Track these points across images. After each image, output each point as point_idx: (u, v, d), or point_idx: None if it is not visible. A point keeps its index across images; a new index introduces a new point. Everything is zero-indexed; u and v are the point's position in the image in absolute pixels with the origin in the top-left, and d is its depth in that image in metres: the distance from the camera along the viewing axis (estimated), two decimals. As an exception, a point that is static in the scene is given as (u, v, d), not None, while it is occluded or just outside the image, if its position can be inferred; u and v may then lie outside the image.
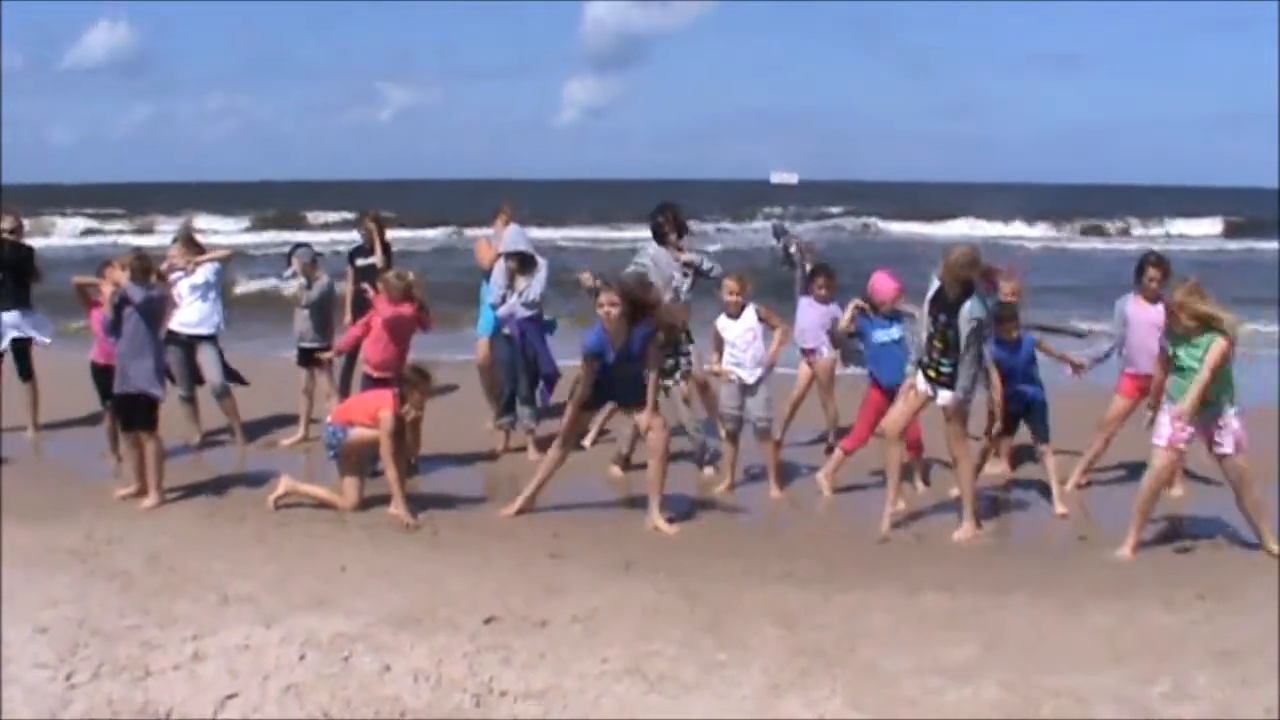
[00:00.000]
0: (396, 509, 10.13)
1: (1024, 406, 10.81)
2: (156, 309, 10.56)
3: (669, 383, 11.13)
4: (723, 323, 11.01)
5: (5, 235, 13.34)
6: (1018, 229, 57.82)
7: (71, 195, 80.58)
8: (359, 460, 10.40)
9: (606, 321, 9.92)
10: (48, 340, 13.63)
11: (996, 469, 11.49)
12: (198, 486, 11.14)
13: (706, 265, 11.79)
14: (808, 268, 12.63)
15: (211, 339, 12.71)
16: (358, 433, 10.22)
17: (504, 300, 12.12)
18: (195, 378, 12.76)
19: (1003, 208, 63.04)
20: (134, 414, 10.54)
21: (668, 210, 11.93)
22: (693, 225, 13.95)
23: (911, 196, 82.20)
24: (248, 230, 53.77)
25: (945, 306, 9.60)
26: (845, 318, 11.12)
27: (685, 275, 11.61)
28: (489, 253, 12.96)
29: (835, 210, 67.15)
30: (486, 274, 12.89)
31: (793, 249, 12.94)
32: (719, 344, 11.03)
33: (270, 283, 26.06)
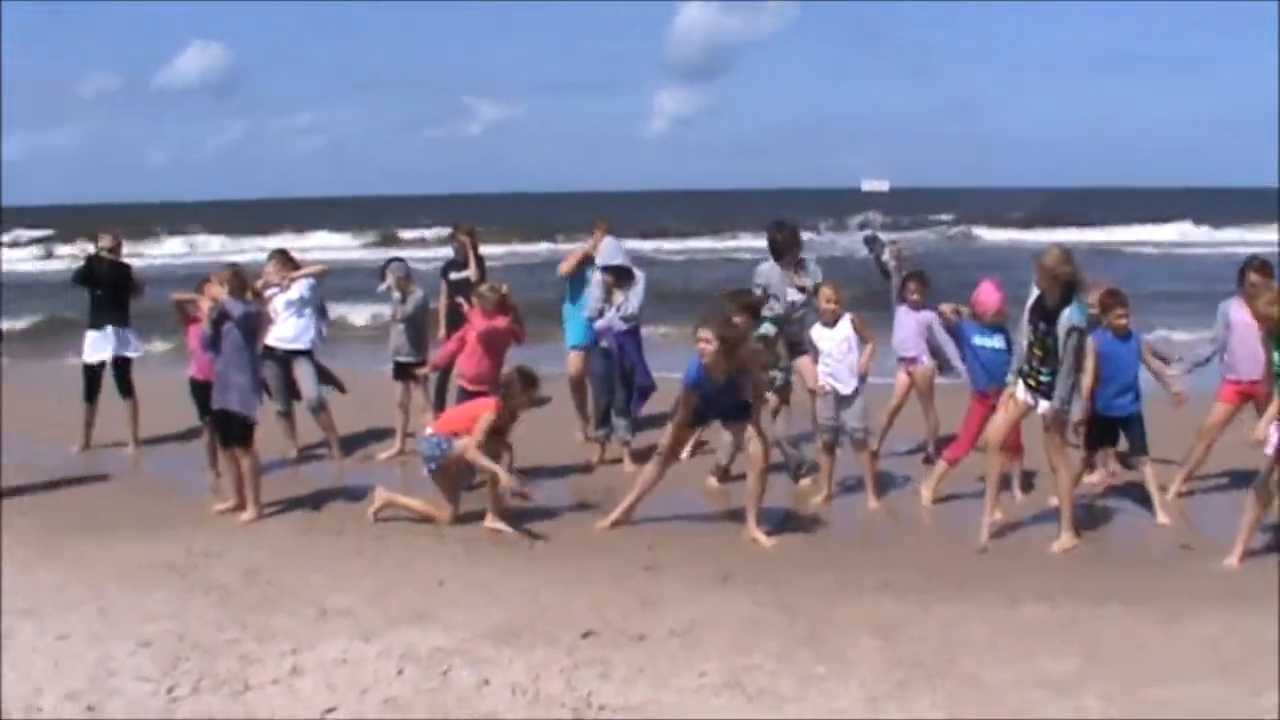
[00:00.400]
0: (497, 502, 10.25)
1: (1124, 418, 10.62)
2: (254, 324, 10.64)
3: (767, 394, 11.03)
4: (818, 332, 10.93)
5: (104, 253, 13.51)
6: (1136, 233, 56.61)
7: (166, 214, 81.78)
8: (459, 472, 10.40)
9: (703, 358, 9.87)
10: (136, 354, 13.79)
11: (1095, 478, 11.28)
12: (295, 500, 11.21)
13: (813, 286, 11.68)
14: (902, 275, 12.46)
15: (307, 354, 12.78)
16: (462, 443, 10.21)
17: (601, 314, 12.09)
18: (292, 392, 12.84)
19: (1115, 212, 62.29)
20: (230, 430, 10.63)
21: (783, 227, 11.85)
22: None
23: (1009, 202, 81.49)
24: (352, 248, 53.97)
25: (1044, 314, 9.45)
26: (946, 309, 10.94)
27: (801, 292, 11.52)
28: (573, 262, 12.97)
29: (930, 217, 66.66)
30: (571, 285, 12.89)
31: (885, 257, 12.74)
32: (814, 354, 10.93)
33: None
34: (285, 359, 12.69)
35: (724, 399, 9.99)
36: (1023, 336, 9.72)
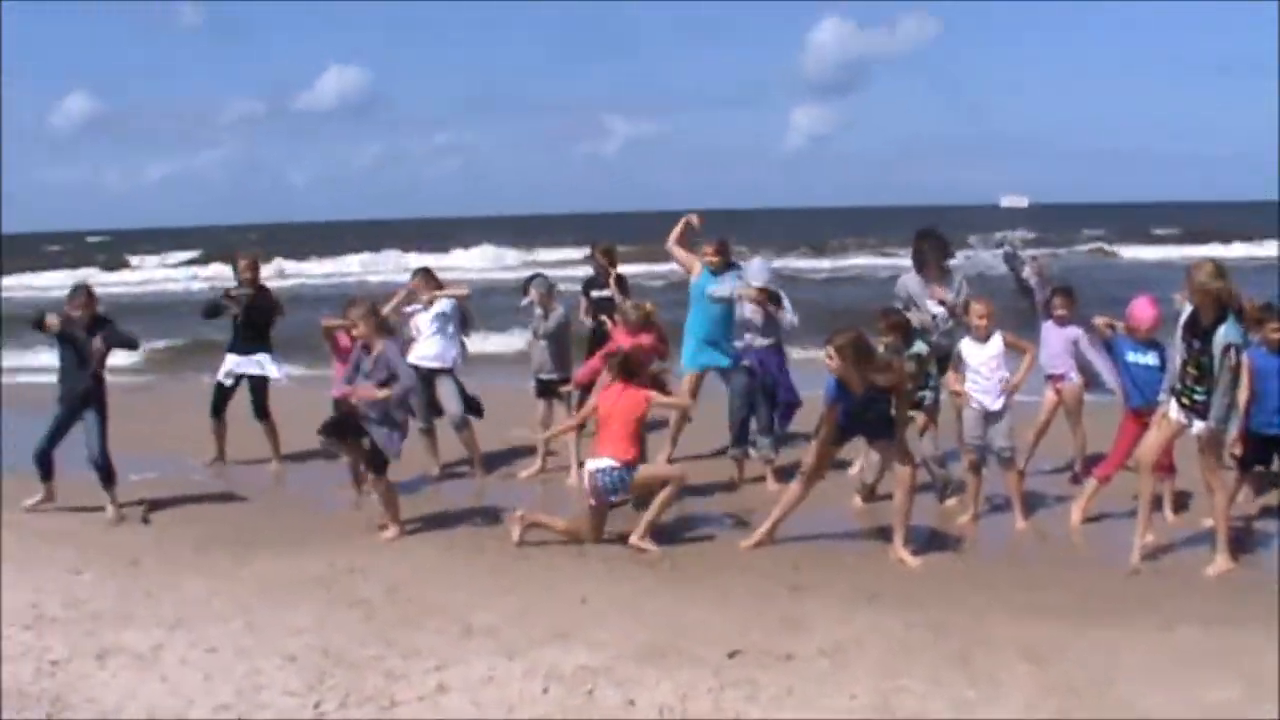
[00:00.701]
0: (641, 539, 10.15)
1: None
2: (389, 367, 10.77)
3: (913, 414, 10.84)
4: (968, 347, 10.74)
5: (242, 279, 13.68)
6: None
7: (308, 233, 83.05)
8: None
9: (831, 373, 9.75)
10: (280, 377, 13.93)
11: (1252, 500, 10.95)
12: (436, 518, 11.25)
13: (954, 301, 11.50)
14: (1046, 291, 12.21)
15: (449, 372, 12.81)
16: (650, 472, 10.25)
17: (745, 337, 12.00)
18: (434, 409, 12.87)
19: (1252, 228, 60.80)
20: (372, 457, 10.72)
21: (928, 236, 11.68)
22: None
23: (1146, 218, 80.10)
24: (491, 269, 54.20)
25: (1198, 331, 9.19)
26: (1100, 322, 10.70)
27: (941, 305, 11.36)
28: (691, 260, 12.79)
29: (1072, 234, 65.52)
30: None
31: (1025, 274, 12.54)
32: (960, 368, 10.75)
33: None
34: (428, 377, 12.71)
35: (867, 415, 9.84)
36: (1176, 354, 9.46)
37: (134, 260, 64.58)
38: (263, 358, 13.70)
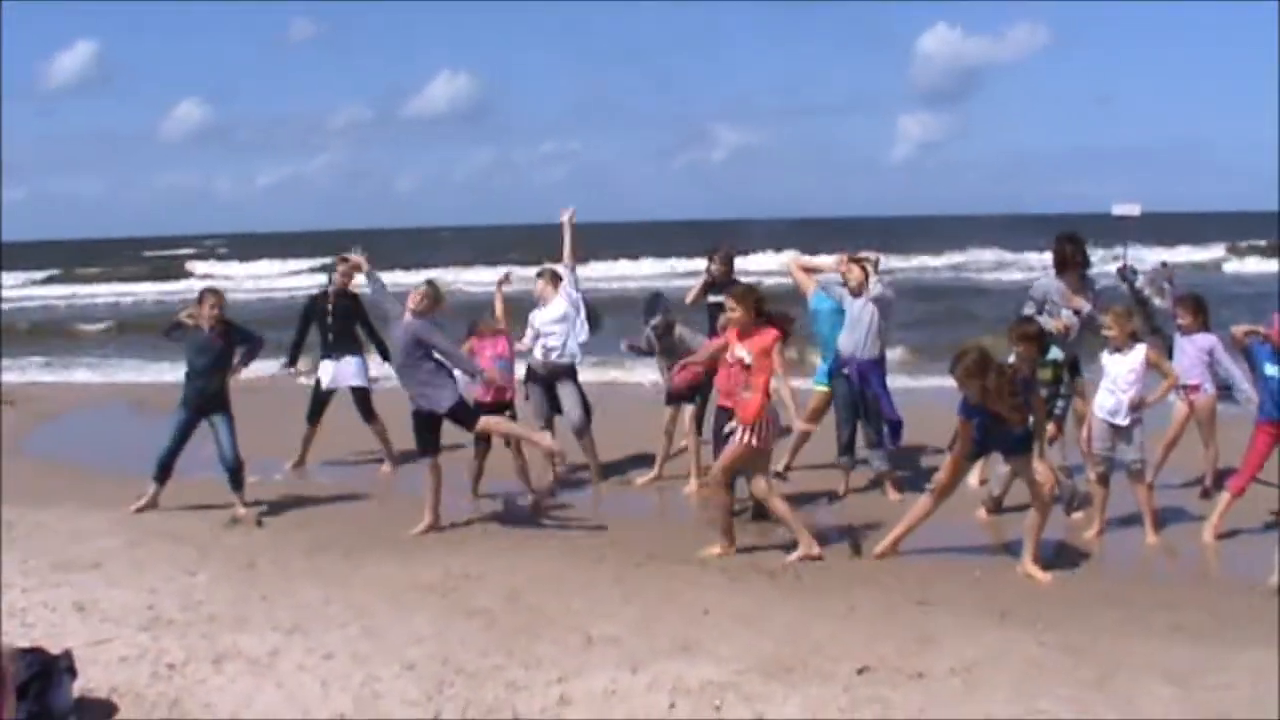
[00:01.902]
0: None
1: None
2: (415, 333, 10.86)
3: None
4: (1108, 357, 10.43)
5: (337, 279, 13.66)
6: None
7: (417, 239, 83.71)
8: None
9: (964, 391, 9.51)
10: (367, 386, 13.85)
11: None
12: (554, 524, 11.17)
13: (1089, 313, 11.19)
14: (1167, 302, 11.86)
15: (571, 373, 12.68)
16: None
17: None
18: (553, 409, 12.74)
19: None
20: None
21: (1069, 240, 11.39)
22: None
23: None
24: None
25: None
26: (1239, 330, 10.37)
27: (1076, 315, 11.07)
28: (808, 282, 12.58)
29: (1191, 243, 64.15)
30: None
31: (1139, 284, 12.15)
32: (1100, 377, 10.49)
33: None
34: (548, 378, 12.60)
35: (1003, 429, 9.56)
36: None
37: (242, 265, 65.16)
38: (358, 363, 13.72)
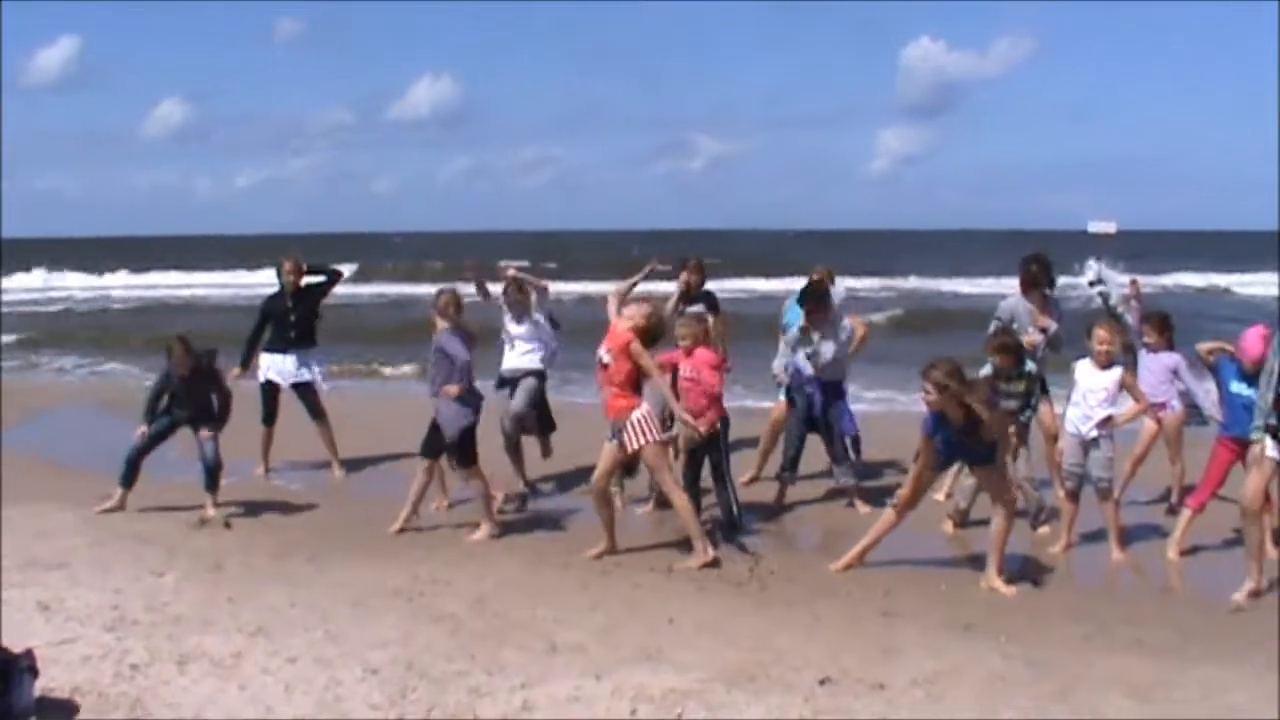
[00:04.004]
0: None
1: None
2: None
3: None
4: (1084, 371, 10.51)
5: (286, 279, 13.66)
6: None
7: (391, 242, 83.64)
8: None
9: (929, 408, 9.55)
10: (320, 381, 13.86)
11: None
12: (521, 532, 11.15)
13: (1055, 331, 11.31)
14: (1134, 319, 11.97)
15: (538, 376, 12.68)
16: None
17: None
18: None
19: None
20: (459, 451, 10.93)
21: (1037, 260, 11.51)
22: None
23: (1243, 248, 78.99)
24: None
25: None
26: (1205, 347, 10.46)
27: (1043, 333, 11.16)
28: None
29: (1163, 263, 64.34)
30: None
31: (1113, 300, 12.26)
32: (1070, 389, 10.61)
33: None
34: (514, 380, 12.63)
35: (968, 442, 9.61)
36: (1269, 390, 9.14)
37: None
38: (305, 359, 13.72)
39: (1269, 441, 9.13)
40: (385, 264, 63.69)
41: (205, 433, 11.50)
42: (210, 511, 11.46)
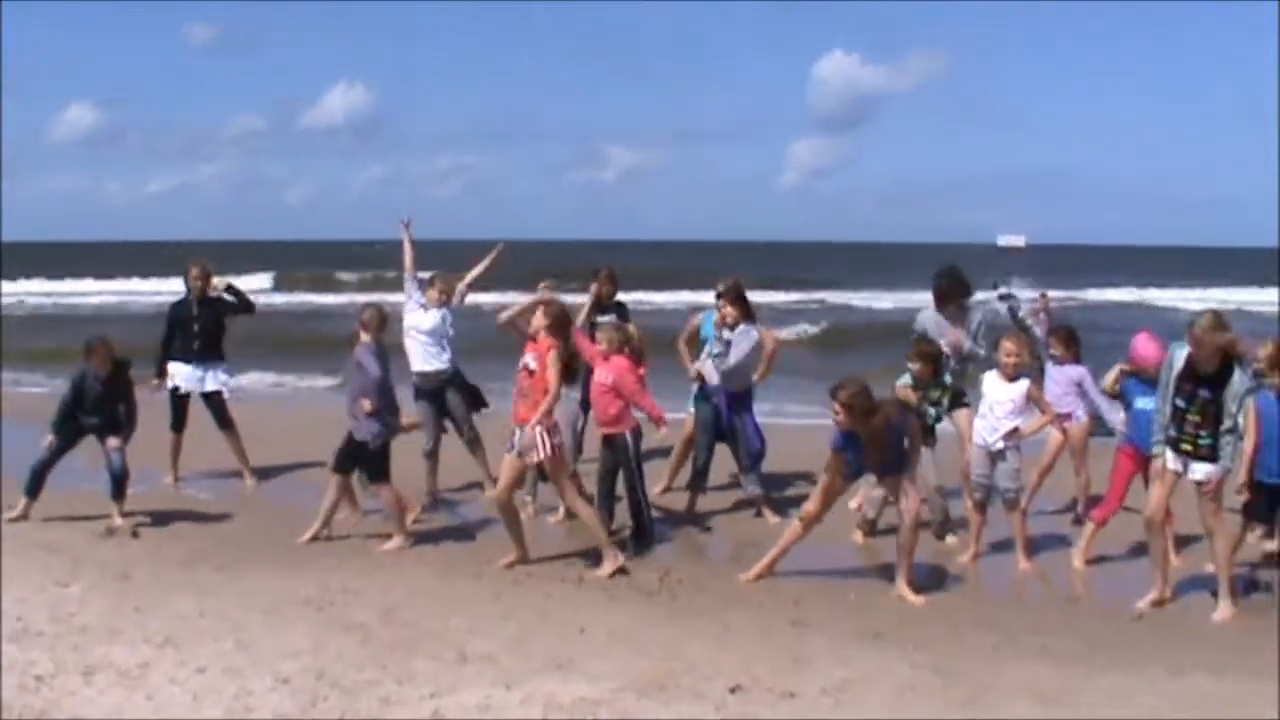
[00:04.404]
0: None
1: None
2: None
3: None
4: (992, 383, 10.68)
5: (193, 286, 13.56)
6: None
7: (305, 251, 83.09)
8: None
9: (839, 426, 9.66)
10: (226, 390, 13.73)
11: (1271, 545, 10.83)
12: (433, 542, 11.14)
13: (969, 349, 11.46)
14: (1042, 331, 12.18)
15: (457, 381, 12.78)
16: None
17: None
18: (442, 428, 12.82)
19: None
20: (373, 465, 10.90)
21: (948, 275, 11.66)
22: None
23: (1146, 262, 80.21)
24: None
25: (1201, 379, 9.12)
26: (1109, 379, 10.63)
27: (953, 347, 11.31)
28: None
29: (1071, 276, 65.12)
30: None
31: (1022, 313, 12.49)
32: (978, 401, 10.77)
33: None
34: (438, 389, 12.68)
35: (875, 456, 9.71)
36: (1165, 403, 9.32)
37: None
38: (214, 368, 13.61)
39: (1169, 454, 9.30)
40: (298, 273, 63.09)
41: (113, 442, 11.40)
42: (117, 521, 11.36)
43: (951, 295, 11.58)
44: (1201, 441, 9.16)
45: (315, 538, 10.94)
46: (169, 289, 52.07)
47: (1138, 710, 7.17)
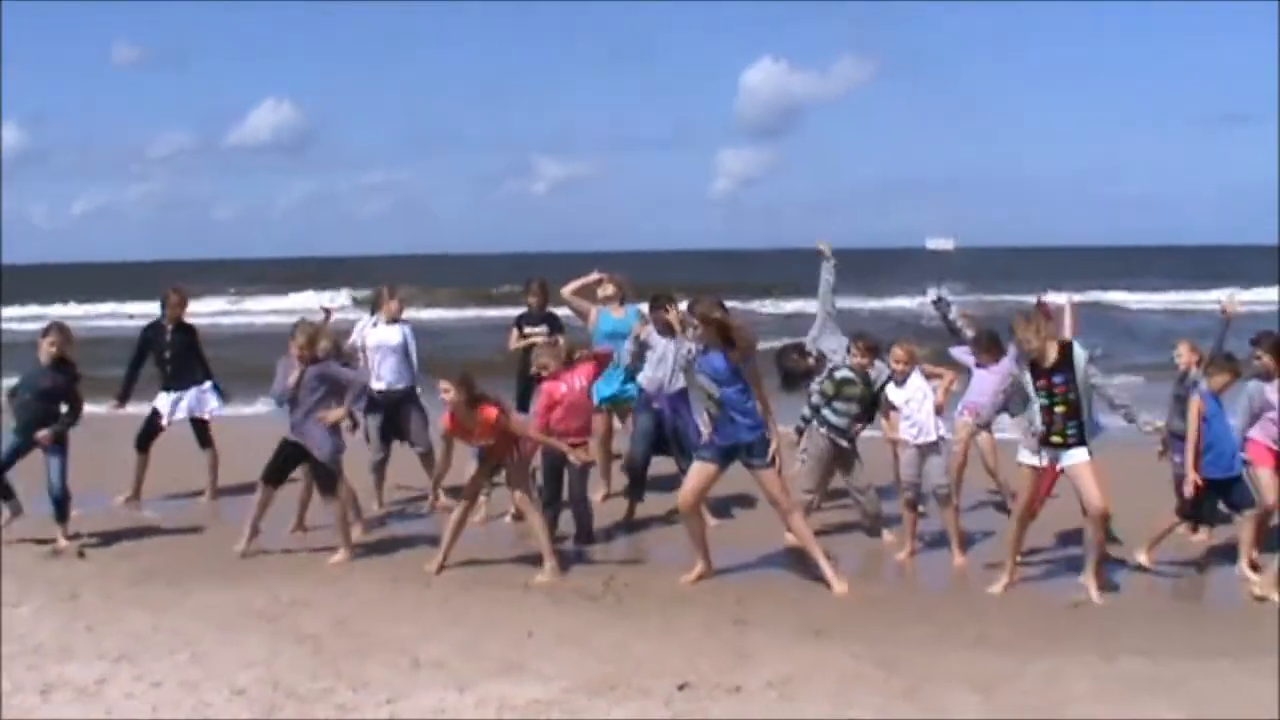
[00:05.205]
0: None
1: (1231, 479, 10.50)
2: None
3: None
4: (893, 391, 10.95)
5: (170, 313, 13.61)
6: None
7: (235, 270, 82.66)
8: None
9: (700, 340, 10.10)
10: (206, 416, 13.75)
11: (1201, 536, 11.18)
12: (381, 553, 11.31)
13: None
14: (973, 335, 12.41)
15: (414, 397, 13.04)
16: None
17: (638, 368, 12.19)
18: (393, 437, 13.01)
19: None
20: (321, 478, 11.11)
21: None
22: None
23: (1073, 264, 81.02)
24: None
25: (1050, 369, 9.55)
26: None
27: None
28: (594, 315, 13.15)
29: (998, 280, 65.62)
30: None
31: (952, 316, 12.71)
32: (889, 411, 11.03)
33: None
34: (396, 404, 12.87)
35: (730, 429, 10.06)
36: (1031, 403, 9.64)
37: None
38: (200, 393, 13.63)
39: (1044, 452, 9.66)
40: (228, 289, 62.79)
41: (44, 434, 11.34)
42: (62, 543, 11.38)
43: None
44: (1069, 431, 9.58)
45: (247, 550, 11.07)
46: (98, 312, 52.25)
47: (1075, 694, 7.40)
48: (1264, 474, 10.49)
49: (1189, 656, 8.14)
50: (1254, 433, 10.54)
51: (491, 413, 10.32)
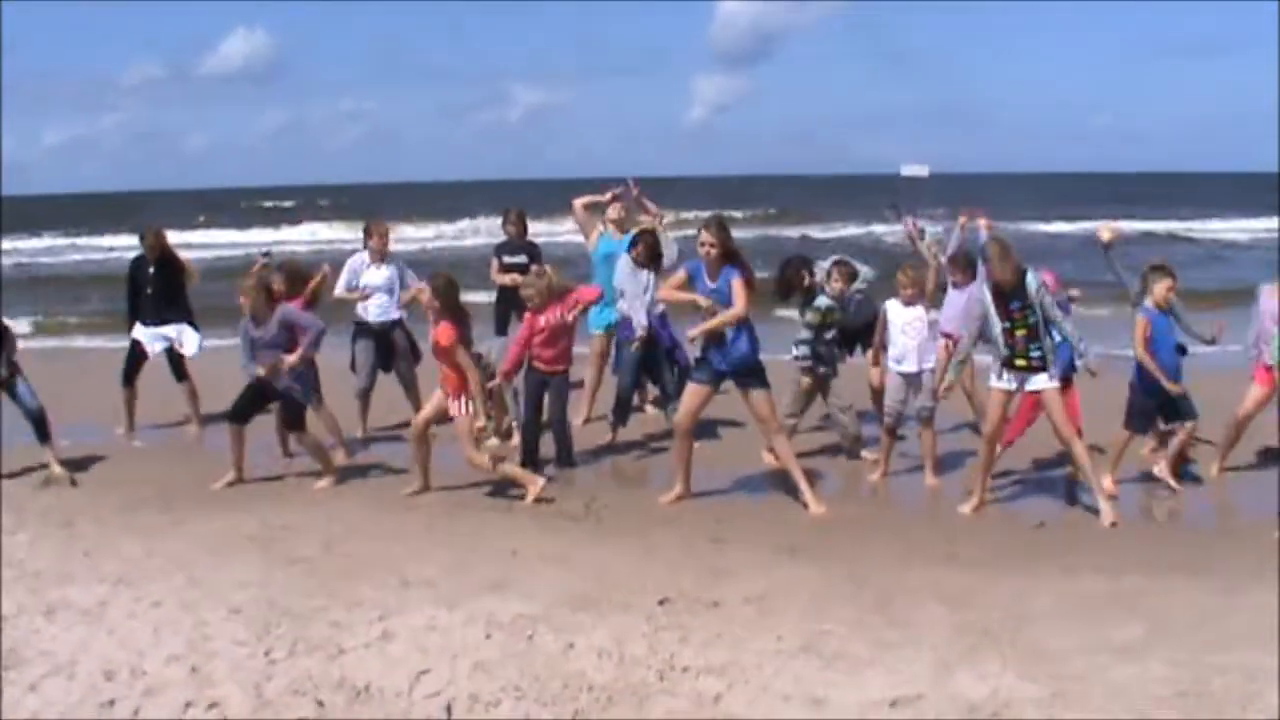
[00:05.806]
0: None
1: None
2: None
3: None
4: (894, 309, 11.24)
5: (149, 249, 13.78)
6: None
7: (210, 200, 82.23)
8: None
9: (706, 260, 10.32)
10: (191, 353, 13.91)
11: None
12: (366, 477, 11.60)
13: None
14: (938, 255, 12.63)
15: (401, 325, 13.34)
16: None
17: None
18: (382, 366, 13.30)
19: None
20: (289, 416, 11.49)
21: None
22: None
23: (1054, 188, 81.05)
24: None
25: (1009, 296, 9.83)
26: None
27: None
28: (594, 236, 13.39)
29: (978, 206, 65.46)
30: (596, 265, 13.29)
31: (925, 243, 12.91)
32: (884, 329, 11.30)
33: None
34: (383, 332, 13.17)
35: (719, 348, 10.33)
36: (992, 326, 9.93)
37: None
38: (179, 329, 13.80)
39: (1003, 374, 10.00)
40: (198, 217, 62.36)
41: None
42: (56, 470, 11.58)
43: (798, 284, 11.78)
44: (1033, 354, 9.89)
45: (233, 482, 11.33)
46: (77, 244, 51.95)
47: (1037, 609, 7.67)
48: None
49: (1146, 573, 8.44)
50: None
51: (447, 332, 10.48)
